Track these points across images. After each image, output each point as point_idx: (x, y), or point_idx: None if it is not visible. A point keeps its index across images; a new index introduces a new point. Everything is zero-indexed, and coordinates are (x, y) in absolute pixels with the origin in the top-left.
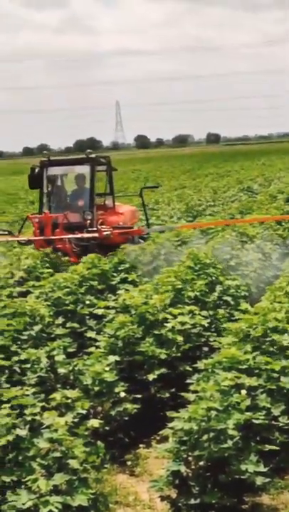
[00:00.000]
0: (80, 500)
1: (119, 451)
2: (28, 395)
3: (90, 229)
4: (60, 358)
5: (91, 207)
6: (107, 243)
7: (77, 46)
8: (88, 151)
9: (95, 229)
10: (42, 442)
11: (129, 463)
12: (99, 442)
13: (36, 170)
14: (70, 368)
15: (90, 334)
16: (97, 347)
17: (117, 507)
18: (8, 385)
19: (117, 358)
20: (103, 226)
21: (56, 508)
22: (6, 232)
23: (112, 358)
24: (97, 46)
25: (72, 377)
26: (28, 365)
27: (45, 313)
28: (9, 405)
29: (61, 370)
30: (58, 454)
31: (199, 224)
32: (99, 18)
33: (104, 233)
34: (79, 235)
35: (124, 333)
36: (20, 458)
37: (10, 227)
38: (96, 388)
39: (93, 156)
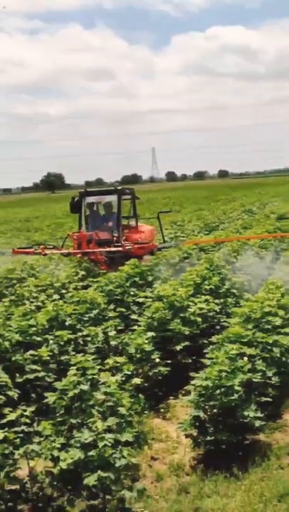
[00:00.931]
0: (126, 436)
1: (154, 401)
2: (88, 360)
3: (116, 244)
4: (112, 333)
5: (118, 227)
6: (129, 255)
7: (123, 107)
8: (116, 183)
9: (120, 244)
10: (99, 395)
11: (162, 410)
12: (140, 395)
13: (76, 199)
14: (119, 341)
15: (134, 316)
16: (139, 326)
17: (153, 442)
18: (74, 353)
19: (153, 333)
20: (126, 242)
21: (109, 442)
22: (52, 247)
23: (150, 334)
24: (139, 107)
25: (120, 348)
26: (89, 339)
27: (101, 301)
28: (75, 368)
29: (113, 342)
30: (110, 403)
31: (199, 241)
32: (139, 86)
33: (127, 247)
34: (107, 249)
35: (158, 315)
36: (83, 406)
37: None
38: (138, 355)
39: (120, 187)
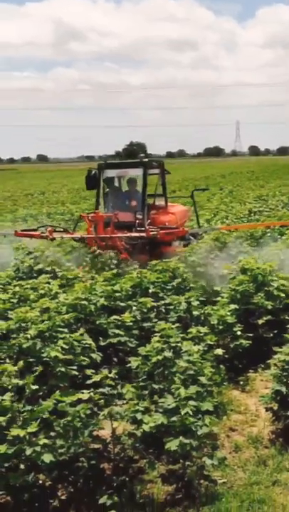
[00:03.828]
0: (207, 406)
1: (234, 373)
2: (172, 328)
3: (139, 228)
4: (195, 303)
5: (142, 208)
6: (155, 241)
7: (207, 79)
8: (141, 155)
9: (143, 229)
10: (182, 362)
11: (241, 382)
12: (220, 366)
13: (93, 172)
14: (202, 311)
15: (217, 288)
16: (222, 297)
17: (232, 413)
18: (156, 320)
19: (236, 306)
20: (151, 226)
21: (191, 409)
22: (62, 230)
23: (233, 306)
24: (222, 79)
25: (202, 318)
26: (171, 307)
27: (183, 271)
28: (159, 335)
29: (195, 312)
30: (192, 372)
31: (238, 226)
32: (223, 58)
33: (152, 233)
34: (128, 234)
35: (242, 288)
36: (165, 372)
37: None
38: (220, 327)
39: (146, 160)
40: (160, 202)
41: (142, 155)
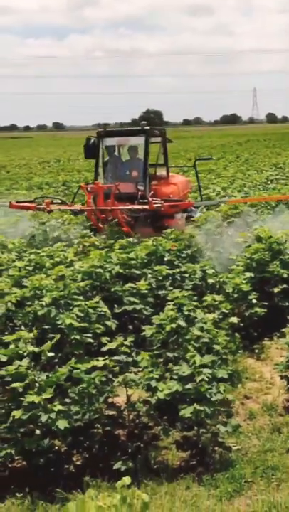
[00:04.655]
0: (221, 373)
1: (249, 341)
2: (185, 296)
3: (141, 200)
4: (210, 271)
5: (144, 178)
6: (157, 214)
7: (224, 45)
8: (143, 122)
9: (146, 201)
10: (196, 330)
11: (256, 351)
12: (236, 334)
13: (92, 140)
14: (217, 279)
15: (232, 256)
16: (237, 265)
17: (247, 381)
18: (171, 288)
19: (251, 274)
20: (154, 198)
21: (207, 377)
22: (59, 201)
23: (248, 274)
24: (239, 46)
25: (217, 286)
26: (187, 275)
27: (199, 239)
28: (172, 303)
29: (210, 280)
30: (206, 340)
31: (246, 199)
32: (240, 24)
33: (155, 206)
34: (130, 206)
35: (257, 256)
36: (179, 340)
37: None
38: (235, 295)
39: (148, 127)
40: (161, 172)
41: (143, 122)
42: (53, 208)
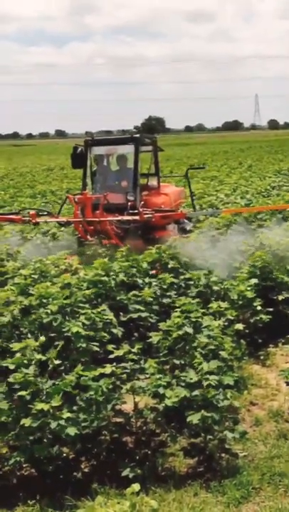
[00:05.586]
0: (228, 380)
1: (254, 348)
2: (192, 303)
3: (131, 211)
4: (215, 278)
5: (134, 188)
6: (148, 225)
7: (224, 51)
8: (133, 130)
9: (136, 211)
10: (202, 337)
11: (261, 357)
12: (241, 340)
13: (79, 149)
14: (222, 286)
15: (236, 264)
16: (242, 273)
17: (252, 388)
18: (176, 296)
19: (255, 281)
20: (145, 209)
21: (214, 383)
22: (45, 213)
23: (252, 281)
24: (240, 52)
25: (222, 293)
26: (191, 282)
27: (204, 245)
28: (179, 310)
29: (215, 288)
30: (213, 347)
31: (240, 209)
32: (241, 30)
33: (146, 216)
34: (119, 218)
35: (261, 263)
36: (186, 347)
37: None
38: (240, 302)
39: (137, 135)
40: (152, 182)
41: (133, 130)
42: (39, 220)
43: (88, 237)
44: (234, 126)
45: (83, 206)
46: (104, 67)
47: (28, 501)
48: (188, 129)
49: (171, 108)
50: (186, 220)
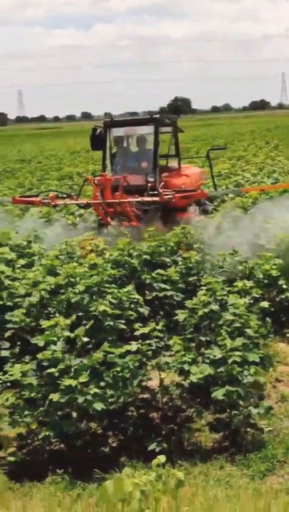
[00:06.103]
0: (253, 357)
1: (279, 326)
2: (218, 282)
3: (151, 192)
4: (240, 258)
5: (154, 169)
6: (169, 207)
7: (250, 30)
8: (158, 111)
9: (156, 192)
10: (228, 315)
11: (287, 335)
12: (266, 318)
13: (98, 131)
14: (247, 266)
15: (261, 242)
16: (266, 252)
17: (278, 365)
18: (201, 274)
19: (280, 260)
20: (165, 190)
21: (238, 359)
22: (65, 195)
23: (277, 261)
24: (266, 31)
25: (247, 272)
26: (216, 262)
27: (227, 225)
28: (205, 288)
29: (239, 267)
30: (238, 324)
31: (261, 187)
32: (266, 8)
33: (166, 197)
34: (139, 199)
35: (286, 242)
36: (212, 325)
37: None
38: (265, 281)
39: (157, 116)
40: (173, 163)
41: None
42: (58, 203)
43: (108, 219)
44: (261, 105)
45: (103, 188)
46: (126, 48)
47: (57, 471)
48: (215, 109)
49: (197, 89)
50: (207, 202)
